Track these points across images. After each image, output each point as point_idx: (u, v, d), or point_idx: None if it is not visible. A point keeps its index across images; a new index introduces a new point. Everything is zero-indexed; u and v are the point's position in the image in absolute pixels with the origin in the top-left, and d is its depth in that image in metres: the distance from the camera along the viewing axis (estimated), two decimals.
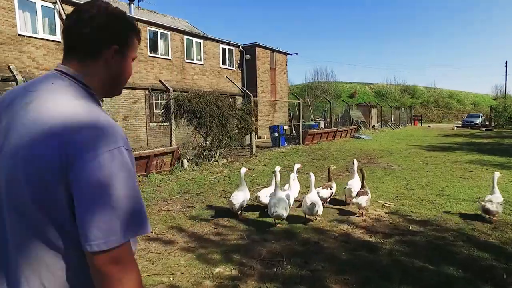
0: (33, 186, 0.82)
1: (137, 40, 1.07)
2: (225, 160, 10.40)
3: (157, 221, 4.90)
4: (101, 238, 0.79)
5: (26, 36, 11.55)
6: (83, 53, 0.97)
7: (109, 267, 0.80)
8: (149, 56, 15.28)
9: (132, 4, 15.58)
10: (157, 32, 15.59)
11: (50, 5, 12.10)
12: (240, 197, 4.96)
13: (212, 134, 9.92)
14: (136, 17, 14.55)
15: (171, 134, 9.38)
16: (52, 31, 12.23)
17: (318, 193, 5.09)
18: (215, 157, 10.11)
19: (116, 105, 14.15)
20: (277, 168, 5.15)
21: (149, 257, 3.69)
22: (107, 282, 0.81)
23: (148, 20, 15.20)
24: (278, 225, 4.65)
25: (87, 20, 0.94)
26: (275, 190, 4.80)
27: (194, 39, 17.50)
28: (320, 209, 4.64)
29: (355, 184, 5.53)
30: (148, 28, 15.15)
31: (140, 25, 14.70)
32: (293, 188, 5.40)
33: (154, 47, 15.62)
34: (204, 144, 9.98)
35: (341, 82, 48.49)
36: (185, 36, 16.96)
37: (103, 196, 0.79)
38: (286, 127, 16.15)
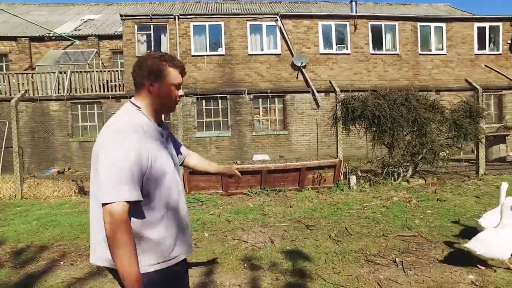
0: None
1: (175, 70, 1.52)
2: (421, 181, 7.64)
3: (207, 252, 4.15)
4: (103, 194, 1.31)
5: (254, 55, 13.42)
6: (137, 87, 1.53)
7: (105, 216, 1.28)
8: (370, 54, 13.79)
9: (353, 2, 14.56)
10: (381, 25, 13.76)
11: (273, 23, 13.42)
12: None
13: (399, 145, 7.52)
14: (355, 14, 13.50)
15: (337, 145, 7.89)
16: (274, 46, 13.52)
17: None
18: (404, 175, 7.62)
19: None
20: (504, 186, 3.81)
21: None
22: (104, 227, 1.29)
23: (368, 14, 13.70)
24: (482, 268, 3.30)
25: (136, 66, 1.53)
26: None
27: (432, 25, 14.07)
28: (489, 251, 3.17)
29: None
30: (369, 23, 13.68)
31: (359, 21, 13.57)
32: None
33: (377, 43, 13.92)
34: (387, 158, 7.74)
35: None
36: (419, 23, 13.96)
37: (105, 170, 1.32)
38: None
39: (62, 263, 4.00)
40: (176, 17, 13.03)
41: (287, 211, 5.85)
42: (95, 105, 13.30)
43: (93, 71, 13.54)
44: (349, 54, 13.66)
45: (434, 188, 6.92)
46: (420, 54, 14.00)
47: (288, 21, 13.44)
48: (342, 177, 7.60)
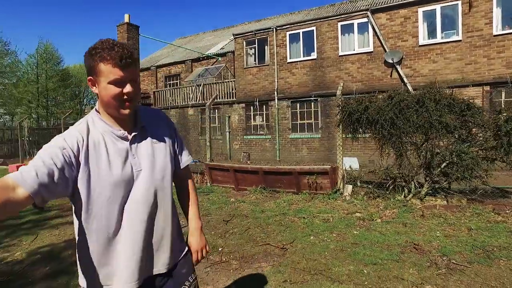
0: None
1: (107, 64, 1.22)
2: (441, 202, 6.30)
3: None
4: None
5: (345, 55, 13.14)
6: None
7: None
8: (494, 36, 10.81)
9: None
10: None
11: (365, 19, 12.69)
12: None
13: (401, 155, 6.49)
14: None
15: (337, 151, 7.22)
16: (365, 44, 12.76)
17: None
18: (417, 191, 6.50)
19: None
20: None
21: None
22: None
23: None
24: None
25: None
26: None
27: None
28: None
29: None
30: None
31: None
32: None
33: (507, 20, 10.71)
34: (395, 169, 6.75)
35: None
36: None
37: None
38: None
39: None
40: (274, 29, 14.42)
41: (241, 208, 6.54)
42: (216, 110, 16.55)
43: (217, 83, 16.85)
44: (460, 40, 11.14)
45: (454, 212, 5.68)
46: None
47: (382, 14, 12.34)
48: (341, 185, 7.23)
